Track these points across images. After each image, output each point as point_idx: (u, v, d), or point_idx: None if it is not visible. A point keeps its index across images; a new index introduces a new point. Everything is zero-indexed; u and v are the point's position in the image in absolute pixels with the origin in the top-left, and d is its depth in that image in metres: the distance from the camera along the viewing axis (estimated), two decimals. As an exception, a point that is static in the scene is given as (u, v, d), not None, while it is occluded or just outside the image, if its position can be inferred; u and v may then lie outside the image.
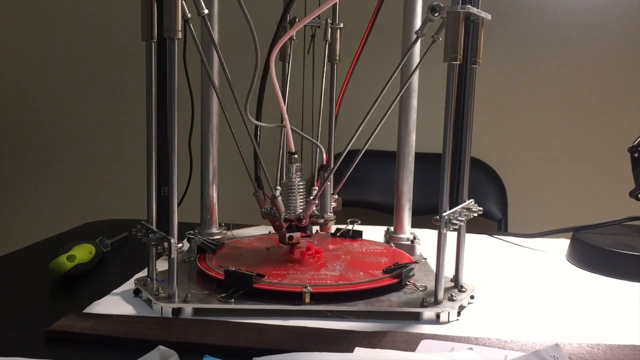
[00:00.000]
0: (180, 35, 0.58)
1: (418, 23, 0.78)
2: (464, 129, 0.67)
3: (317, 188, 0.71)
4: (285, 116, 0.68)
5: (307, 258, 0.71)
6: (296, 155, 0.69)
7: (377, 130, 0.65)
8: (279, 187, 0.69)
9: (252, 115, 0.68)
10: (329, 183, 0.72)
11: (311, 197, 0.70)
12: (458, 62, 0.60)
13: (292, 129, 0.68)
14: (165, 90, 0.60)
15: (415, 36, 0.65)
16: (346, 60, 0.78)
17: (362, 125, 0.66)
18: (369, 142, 0.66)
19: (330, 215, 0.73)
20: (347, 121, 0.81)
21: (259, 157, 0.70)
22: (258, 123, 0.69)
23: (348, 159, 0.67)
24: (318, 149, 0.75)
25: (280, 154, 0.79)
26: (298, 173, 0.70)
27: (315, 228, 0.80)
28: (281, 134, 0.78)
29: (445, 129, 0.61)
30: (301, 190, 0.70)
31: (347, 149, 0.67)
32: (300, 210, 0.69)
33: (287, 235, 0.69)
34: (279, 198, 0.69)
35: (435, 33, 0.63)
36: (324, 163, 0.74)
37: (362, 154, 0.66)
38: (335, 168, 0.70)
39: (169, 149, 0.60)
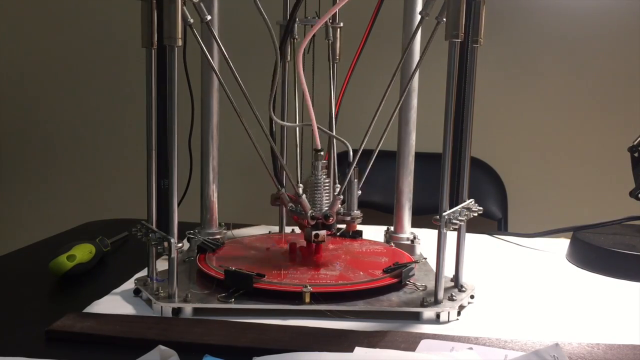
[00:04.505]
0: (180, 42, 0.59)
1: (418, 21, 0.77)
2: (464, 128, 0.67)
3: (339, 186, 0.70)
4: (312, 114, 0.67)
5: (313, 253, 0.70)
6: (322, 153, 0.69)
7: (388, 128, 0.66)
8: (301, 185, 0.69)
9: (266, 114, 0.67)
10: (355, 180, 0.72)
11: (336, 194, 0.69)
12: (460, 40, 0.60)
13: (318, 127, 0.68)
14: (166, 94, 0.60)
15: (418, 21, 0.66)
16: (346, 60, 0.78)
17: (373, 124, 0.66)
18: (382, 141, 0.67)
19: (357, 212, 0.72)
20: (347, 121, 0.81)
21: (277, 156, 0.70)
22: (283, 122, 0.68)
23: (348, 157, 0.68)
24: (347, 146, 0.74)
25: (299, 152, 0.78)
26: (324, 170, 0.69)
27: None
28: (295, 132, 0.78)
29: (445, 128, 0.61)
30: (327, 187, 0.69)
31: (362, 147, 0.67)
32: (327, 208, 0.68)
33: (313, 233, 0.68)
34: (304, 196, 0.68)
35: (438, 15, 0.63)
36: (350, 160, 0.73)
37: (377, 151, 0.68)
38: (354, 165, 0.69)
39: (169, 148, 0.60)
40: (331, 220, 0.68)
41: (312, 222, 0.68)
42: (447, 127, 0.61)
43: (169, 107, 0.60)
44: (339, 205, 0.69)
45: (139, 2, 0.62)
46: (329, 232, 0.70)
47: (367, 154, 0.68)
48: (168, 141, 0.60)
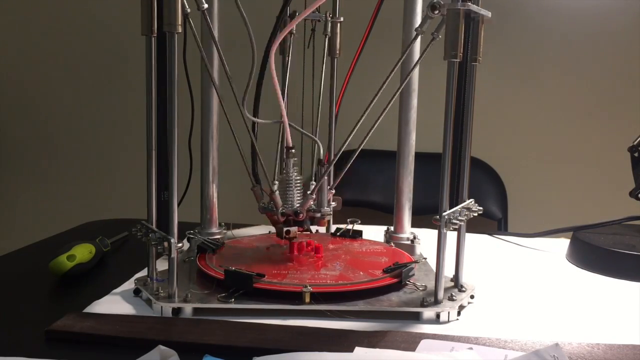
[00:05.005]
0: (180, 29, 0.58)
1: (418, 20, 0.77)
2: (464, 128, 0.67)
3: (314, 183, 0.71)
4: (284, 111, 0.68)
5: (305, 254, 0.71)
6: (294, 150, 0.70)
7: (374, 129, 0.65)
8: (276, 182, 0.71)
9: (249, 110, 0.68)
10: (326, 178, 0.73)
11: (309, 192, 0.70)
12: (458, 60, 0.60)
13: (290, 124, 0.69)
14: (165, 88, 0.60)
15: (415, 34, 0.65)
16: (346, 55, 0.77)
17: (360, 124, 0.66)
18: (365, 140, 0.66)
19: (327, 209, 0.74)
20: (347, 119, 0.81)
21: (257, 152, 0.70)
22: (254, 119, 0.69)
23: (347, 157, 0.68)
24: (316, 144, 0.75)
25: (279, 149, 0.79)
26: (295, 168, 0.70)
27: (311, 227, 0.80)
28: (279, 129, 0.78)
29: (445, 128, 0.61)
30: (298, 185, 0.70)
31: (344, 147, 0.67)
32: (298, 205, 0.69)
33: (285, 229, 0.69)
34: (277, 192, 0.69)
35: (435, 30, 0.63)
36: (324, 159, 0.75)
37: (359, 151, 0.67)
38: (333, 164, 0.70)
39: (169, 148, 0.60)
40: (301, 217, 0.69)
41: (282, 219, 0.69)
42: (447, 127, 0.61)
43: (169, 102, 0.59)
44: (311, 203, 0.70)
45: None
46: (301, 229, 0.72)
47: (367, 154, 0.68)
48: (168, 141, 0.60)
